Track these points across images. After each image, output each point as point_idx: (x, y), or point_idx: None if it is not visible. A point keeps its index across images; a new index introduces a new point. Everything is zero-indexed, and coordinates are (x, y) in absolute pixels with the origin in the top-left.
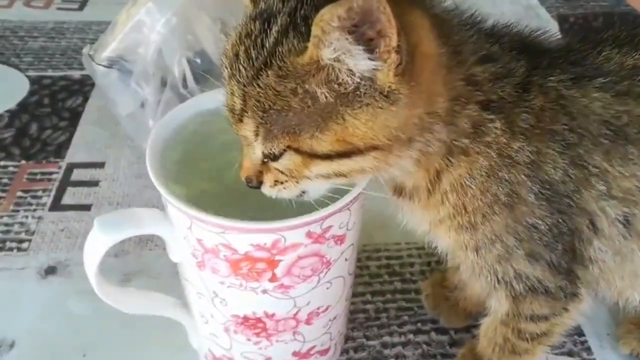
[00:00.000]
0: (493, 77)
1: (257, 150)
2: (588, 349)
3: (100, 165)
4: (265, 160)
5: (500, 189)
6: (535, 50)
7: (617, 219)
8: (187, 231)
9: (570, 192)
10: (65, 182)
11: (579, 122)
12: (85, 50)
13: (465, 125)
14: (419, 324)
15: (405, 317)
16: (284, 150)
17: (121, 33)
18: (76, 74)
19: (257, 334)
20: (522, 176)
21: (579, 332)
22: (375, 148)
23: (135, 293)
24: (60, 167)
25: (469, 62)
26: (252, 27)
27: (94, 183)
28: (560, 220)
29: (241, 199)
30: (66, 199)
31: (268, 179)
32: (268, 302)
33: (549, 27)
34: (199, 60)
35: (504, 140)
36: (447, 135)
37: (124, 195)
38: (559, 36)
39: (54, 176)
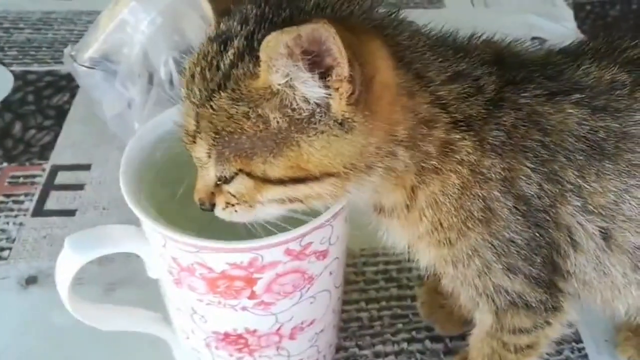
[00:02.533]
0: (461, 96)
1: (210, 172)
2: (585, 357)
3: (86, 167)
4: (219, 182)
5: (474, 205)
6: (511, 63)
7: (595, 233)
8: (162, 249)
9: (547, 206)
10: (49, 186)
11: (553, 138)
12: (67, 51)
13: (431, 147)
14: (414, 332)
15: (400, 325)
16: (236, 174)
17: (104, 33)
18: (63, 68)
19: (239, 350)
20: (495, 192)
21: (576, 338)
22: (331, 175)
23: (113, 310)
24: (44, 170)
25: (435, 84)
26: (210, 49)
27: (79, 186)
28: (537, 234)
29: None
30: (49, 204)
31: (220, 201)
32: (248, 319)
33: (565, 14)
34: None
35: (475, 157)
36: (412, 159)
37: (111, 200)
38: (538, 46)
39: (37, 179)
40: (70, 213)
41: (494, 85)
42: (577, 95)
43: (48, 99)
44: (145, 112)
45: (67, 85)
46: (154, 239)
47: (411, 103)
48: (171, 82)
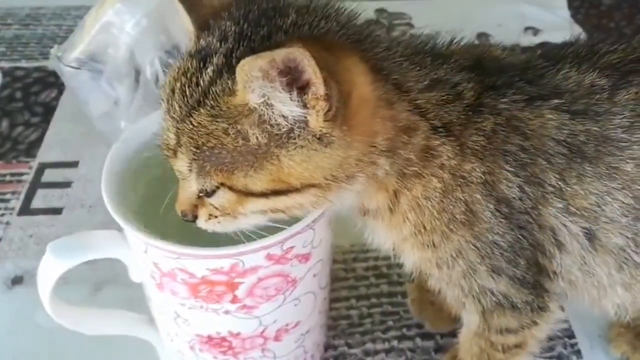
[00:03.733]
0: (440, 102)
1: (192, 185)
2: (578, 352)
3: (74, 164)
4: (201, 195)
5: (456, 209)
6: (491, 68)
7: (579, 234)
8: (144, 255)
9: (529, 208)
10: (36, 184)
11: (533, 142)
12: (53, 51)
13: (412, 154)
14: (404, 330)
15: (390, 323)
16: (218, 187)
17: (89, 35)
18: (51, 64)
19: (224, 352)
20: (477, 195)
21: (569, 334)
22: (312, 186)
23: (97, 314)
24: (31, 168)
25: (414, 93)
26: (190, 65)
27: (66, 184)
28: (520, 236)
29: None
30: (36, 202)
31: (202, 213)
32: (232, 322)
33: (558, 3)
34: (172, 60)
35: (455, 162)
36: (393, 166)
37: (98, 197)
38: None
39: (24, 177)
40: (57, 211)
41: (472, 92)
42: (557, 101)
43: (36, 95)
44: (132, 110)
45: (56, 81)
46: (135, 244)
47: (390, 113)
48: (157, 81)
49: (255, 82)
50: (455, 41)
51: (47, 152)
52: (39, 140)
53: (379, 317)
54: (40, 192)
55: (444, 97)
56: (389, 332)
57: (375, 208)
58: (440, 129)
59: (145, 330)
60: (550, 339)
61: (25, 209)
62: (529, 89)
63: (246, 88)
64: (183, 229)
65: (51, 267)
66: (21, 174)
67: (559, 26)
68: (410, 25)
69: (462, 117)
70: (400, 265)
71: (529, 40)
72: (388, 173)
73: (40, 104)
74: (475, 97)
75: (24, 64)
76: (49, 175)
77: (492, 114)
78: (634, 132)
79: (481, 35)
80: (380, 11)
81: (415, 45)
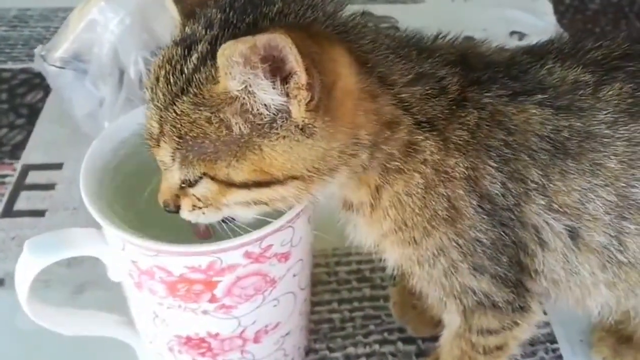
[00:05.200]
0: (424, 97)
1: (174, 175)
2: (560, 357)
3: (58, 166)
4: (183, 185)
5: (439, 205)
6: (476, 63)
7: (562, 232)
8: (122, 252)
9: (511, 205)
10: (20, 186)
11: (516, 138)
12: (37, 51)
13: (394, 149)
14: (386, 334)
15: (372, 327)
16: (200, 177)
17: (74, 33)
18: (36, 64)
19: (202, 354)
20: (460, 191)
21: (551, 339)
22: (295, 178)
23: (75, 314)
24: (14, 169)
25: (398, 86)
26: (174, 52)
27: (50, 186)
28: (502, 233)
29: None
30: (19, 204)
31: (185, 204)
32: (210, 323)
33: (544, 8)
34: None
35: (439, 157)
36: (375, 161)
37: (82, 200)
38: (505, 45)
39: (7, 179)
40: (40, 213)
41: (457, 86)
42: (540, 96)
43: (21, 97)
44: (116, 111)
45: (41, 83)
46: (113, 242)
47: (374, 106)
48: (141, 81)
49: (236, 67)
50: (440, 36)
51: (31, 154)
52: (24, 142)
53: (360, 321)
54: (23, 194)
55: (429, 92)
56: (371, 336)
57: (358, 202)
58: (424, 124)
59: (125, 332)
60: (532, 344)
61: (8, 211)
62: (513, 85)
63: (227, 74)
64: (164, 230)
65: (29, 265)
66: (5, 176)
67: (545, 31)
68: (396, 29)
69: (446, 111)
70: (383, 269)
71: (514, 44)
72: (370, 168)
73: (25, 105)
74: (459, 91)
75: (10, 65)
76: (32, 177)
77: (476, 109)
78: (617, 128)
79: (467, 39)
80: (366, 14)
81: (402, 39)
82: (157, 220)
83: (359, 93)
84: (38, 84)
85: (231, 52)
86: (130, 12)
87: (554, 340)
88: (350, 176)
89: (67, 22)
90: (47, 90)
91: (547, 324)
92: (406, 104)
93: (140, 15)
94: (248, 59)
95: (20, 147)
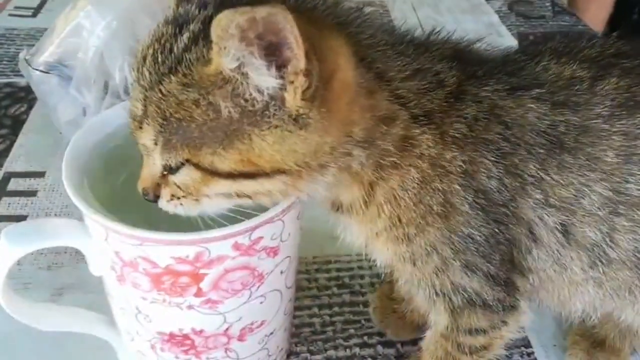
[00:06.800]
0: (422, 90)
1: (156, 161)
2: None
3: (40, 174)
4: (165, 172)
5: (434, 200)
6: (472, 58)
7: (556, 228)
8: (104, 243)
9: (507, 201)
10: (1, 192)
11: (514, 132)
12: (22, 55)
13: (390, 145)
14: (366, 337)
15: (352, 330)
16: (182, 164)
17: (59, 37)
18: (22, 81)
19: (185, 352)
20: (456, 185)
21: (525, 343)
22: (283, 172)
23: (52, 308)
24: None
25: (396, 82)
26: (165, 31)
27: (31, 193)
28: (496, 230)
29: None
30: (0, 210)
31: (165, 193)
32: (195, 318)
33: (510, 44)
34: None
35: (436, 151)
36: (369, 158)
37: (63, 207)
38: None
39: None
40: (21, 219)
41: (455, 78)
42: (537, 90)
43: (5, 109)
44: None
45: (25, 96)
46: (95, 231)
47: (370, 103)
48: (126, 89)
49: (231, 41)
50: (434, 32)
51: (13, 162)
52: (6, 151)
53: (340, 325)
54: (4, 200)
55: (426, 85)
56: (351, 339)
57: (349, 202)
58: (421, 118)
59: (105, 330)
60: (507, 347)
61: None
62: (509, 80)
63: (221, 49)
64: (152, 227)
65: (5, 253)
66: None
67: None
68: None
69: (444, 104)
70: (362, 277)
71: None
72: (363, 165)
73: (9, 117)
74: (457, 84)
75: None
76: (14, 184)
77: (475, 102)
78: (614, 122)
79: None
80: None
81: (398, 35)
82: (141, 216)
83: (356, 88)
84: (22, 97)
85: (227, 23)
86: (117, 17)
87: (528, 345)
88: (340, 175)
89: (54, 27)
90: (31, 103)
91: (521, 328)
92: (403, 98)
93: (128, 20)
94: (245, 33)
95: (2, 155)
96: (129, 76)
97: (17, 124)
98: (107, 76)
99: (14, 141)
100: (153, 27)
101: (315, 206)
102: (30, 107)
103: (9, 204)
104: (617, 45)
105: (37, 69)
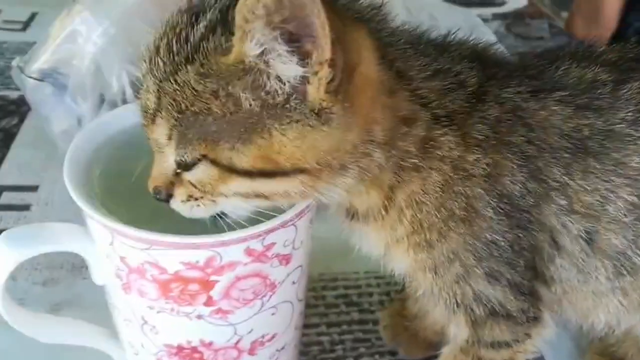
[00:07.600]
0: (443, 91)
1: (169, 157)
2: None
3: (34, 188)
4: (179, 170)
5: (456, 204)
6: (490, 61)
7: (579, 235)
8: (109, 248)
9: (530, 206)
10: None
11: (538, 135)
12: (15, 62)
13: (411, 146)
14: (377, 356)
15: (362, 349)
16: (199, 160)
17: (54, 44)
18: (13, 94)
19: None
20: (479, 189)
21: None
22: (302, 171)
23: (52, 320)
24: None
25: (416, 82)
26: (180, 20)
27: (24, 207)
28: (520, 236)
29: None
30: None
31: (180, 193)
32: (204, 329)
33: None
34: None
35: (458, 153)
36: (389, 160)
37: (58, 220)
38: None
39: None
40: None
41: (476, 79)
42: (560, 93)
43: None
44: None
45: (17, 109)
46: (100, 236)
47: (391, 102)
48: (124, 98)
49: (256, 23)
50: (452, 33)
51: (6, 176)
52: None
53: (350, 343)
54: None
55: (447, 86)
56: (361, 358)
57: (366, 209)
58: (442, 118)
59: (107, 343)
60: None
61: None
62: (531, 82)
63: (245, 33)
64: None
65: (4, 258)
66: None
67: None
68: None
69: (466, 105)
70: (370, 294)
71: None
72: (383, 168)
73: (0, 130)
74: (478, 85)
75: None
76: (6, 198)
77: (497, 103)
78: (638, 127)
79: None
80: None
81: (417, 34)
82: (150, 220)
83: (378, 84)
84: (13, 110)
85: (254, 3)
86: (115, 22)
87: None
88: (359, 177)
89: (48, 34)
90: (22, 116)
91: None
92: (424, 99)
93: (125, 26)
94: (271, 16)
95: None
96: (127, 85)
97: (8, 137)
98: (103, 84)
99: (6, 154)
100: (166, 16)
101: (328, 218)
102: (21, 120)
103: (2, 218)
104: (636, 50)
105: (30, 77)
